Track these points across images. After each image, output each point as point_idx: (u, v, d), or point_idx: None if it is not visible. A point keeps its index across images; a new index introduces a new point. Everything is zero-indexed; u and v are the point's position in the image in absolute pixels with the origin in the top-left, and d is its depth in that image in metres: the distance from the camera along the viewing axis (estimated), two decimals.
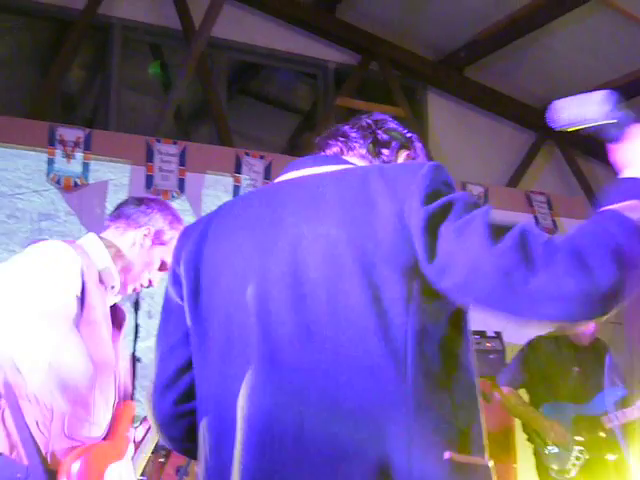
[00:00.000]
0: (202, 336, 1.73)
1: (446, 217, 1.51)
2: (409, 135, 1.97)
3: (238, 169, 6.58)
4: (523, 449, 5.62)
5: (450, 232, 1.49)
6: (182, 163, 6.36)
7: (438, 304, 1.54)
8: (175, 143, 6.39)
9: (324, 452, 1.50)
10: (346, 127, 1.95)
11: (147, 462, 4.45)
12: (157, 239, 2.76)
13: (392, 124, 1.96)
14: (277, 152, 7.10)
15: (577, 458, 4.97)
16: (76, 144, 6.03)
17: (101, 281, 2.63)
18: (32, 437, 2.35)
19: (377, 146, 1.89)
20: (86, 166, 6.04)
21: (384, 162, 1.87)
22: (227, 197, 6.54)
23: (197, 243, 1.81)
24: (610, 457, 4.99)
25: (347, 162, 1.83)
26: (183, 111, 7.21)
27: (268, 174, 6.65)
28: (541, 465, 5.15)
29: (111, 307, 2.73)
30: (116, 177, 6.17)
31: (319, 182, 1.71)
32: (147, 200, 2.87)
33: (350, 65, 7.61)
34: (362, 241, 1.56)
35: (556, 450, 5.04)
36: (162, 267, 2.80)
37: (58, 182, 5.95)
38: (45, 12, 6.64)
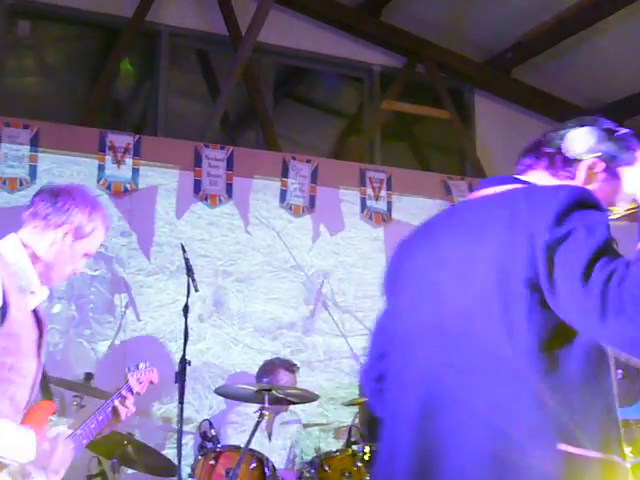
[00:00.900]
0: (394, 328, 2.17)
1: (562, 246, 1.73)
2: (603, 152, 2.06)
3: (285, 173, 6.61)
4: None
5: (560, 265, 1.72)
6: (230, 168, 6.40)
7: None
8: (223, 148, 6.44)
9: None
10: (538, 140, 2.13)
11: (197, 464, 4.49)
12: (77, 234, 2.75)
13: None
14: (323, 156, 7.10)
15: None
16: (126, 150, 6.10)
17: (20, 285, 2.62)
18: None
19: (557, 163, 2.04)
20: (136, 172, 6.11)
21: (565, 178, 2.04)
22: (274, 201, 6.56)
23: (399, 250, 2.26)
24: None
25: (519, 181, 2.04)
26: (230, 116, 7.25)
27: (315, 178, 6.67)
28: None
29: (33, 311, 2.71)
30: (165, 182, 6.24)
31: (484, 203, 2.00)
32: (62, 193, 2.78)
33: (396, 68, 7.58)
34: (504, 261, 1.82)
35: None
36: (86, 255, 2.81)
37: (108, 188, 6.03)
38: (94, 20, 6.73)
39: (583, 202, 1.77)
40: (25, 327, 2.61)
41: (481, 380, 1.81)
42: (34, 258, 2.68)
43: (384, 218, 6.88)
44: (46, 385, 2.96)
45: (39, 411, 2.74)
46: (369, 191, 6.86)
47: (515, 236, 1.80)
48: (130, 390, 3.18)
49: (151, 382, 3.37)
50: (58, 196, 2.76)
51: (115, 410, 3.07)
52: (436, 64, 7.53)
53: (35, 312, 2.73)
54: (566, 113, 7.93)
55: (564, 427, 1.72)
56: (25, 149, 5.84)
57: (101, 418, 2.99)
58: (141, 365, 3.36)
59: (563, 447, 1.70)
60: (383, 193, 6.90)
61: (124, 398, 3.10)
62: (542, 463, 1.70)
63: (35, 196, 2.79)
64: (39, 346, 2.71)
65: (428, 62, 7.51)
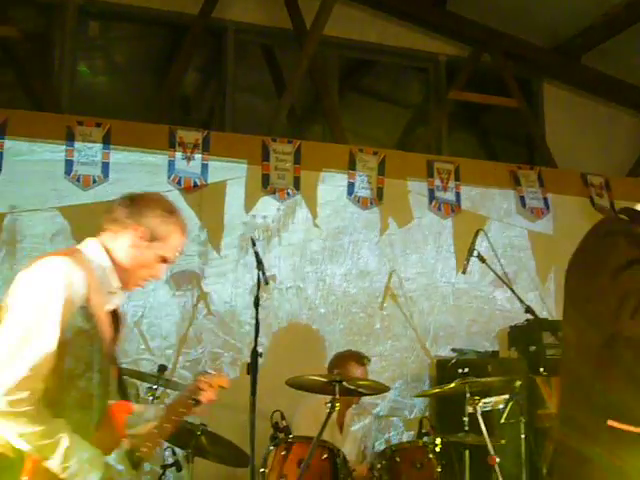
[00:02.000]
0: None
1: None
2: None
3: (352, 166, 6.61)
4: None
5: None
6: (297, 161, 6.44)
7: None
8: (290, 142, 6.48)
9: None
10: None
11: (269, 454, 4.54)
12: (152, 237, 2.79)
13: None
14: (390, 148, 7.08)
15: None
16: (195, 146, 6.19)
17: (101, 286, 2.71)
18: None
19: None
20: (205, 167, 6.20)
21: None
22: (342, 194, 6.58)
23: None
24: None
25: None
26: (296, 110, 7.28)
27: (382, 170, 6.66)
28: None
29: (112, 312, 2.80)
30: (233, 177, 6.30)
31: None
32: (138, 199, 2.85)
33: (461, 57, 7.51)
34: None
35: None
36: (163, 260, 2.84)
37: (179, 183, 6.12)
38: (160, 19, 6.84)
39: None
40: (103, 326, 2.70)
41: None
42: (114, 261, 2.77)
43: (453, 209, 6.83)
44: (122, 383, 3.05)
45: (116, 410, 2.83)
46: (437, 182, 6.82)
47: None
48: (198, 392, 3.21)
49: (221, 387, 3.40)
50: (134, 201, 2.84)
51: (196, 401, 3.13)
52: (503, 52, 7.44)
53: (113, 312, 2.83)
54: (637, 99, 7.76)
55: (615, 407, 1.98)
56: (98, 147, 5.97)
57: (173, 417, 3.03)
58: (211, 372, 3.38)
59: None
60: (451, 184, 6.86)
61: (192, 400, 3.14)
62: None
63: (115, 202, 2.87)
64: (114, 345, 2.81)
65: (494, 50, 7.42)
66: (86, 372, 2.64)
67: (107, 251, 2.78)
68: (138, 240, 2.78)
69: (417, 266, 6.68)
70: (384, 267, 6.58)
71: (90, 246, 2.78)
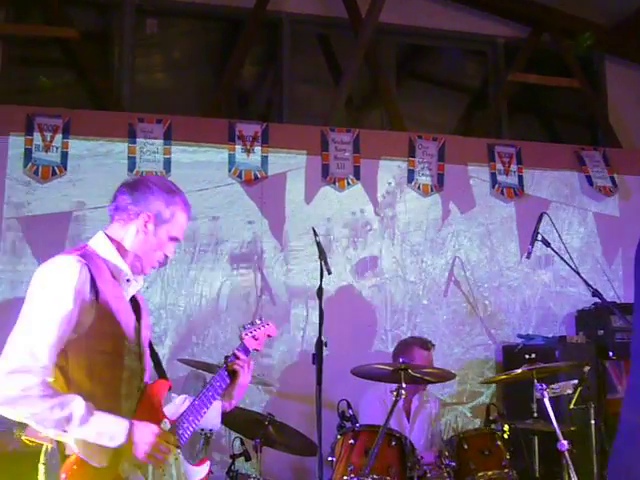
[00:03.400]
0: None
1: None
2: None
3: (412, 153, 6.58)
4: None
5: None
6: (356, 150, 6.43)
7: None
8: (348, 131, 6.47)
9: None
10: None
11: (336, 443, 4.56)
12: (158, 221, 2.86)
13: None
14: (449, 133, 7.02)
15: None
16: (254, 138, 6.23)
17: (114, 277, 2.78)
18: None
19: None
20: (265, 159, 6.23)
21: None
22: (402, 182, 6.55)
23: None
24: None
25: None
26: (353, 99, 7.27)
27: (442, 156, 6.61)
28: None
29: (131, 299, 2.86)
30: (293, 168, 6.33)
31: None
32: (139, 184, 2.92)
33: (520, 38, 7.39)
34: None
35: None
36: (173, 239, 2.91)
37: (240, 176, 6.18)
38: (216, 14, 6.90)
39: None
40: (121, 314, 2.75)
41: None
42: (123, 251, 2.84)
43: (516, 193, 6.75)
44: (159, 366, 3.11)
45: (153, 390, 2.89)
46: (499, 166, 6.74)
47: None
48: (245, 350, 3.23)
49: (268, 336, 3.42)
50: (135, 188, 2.90)
51: (233, 372, 3.15)
52: (562, 32, 7.30)
53: (134, 300, 2.89)
54: None
55: None
56: (159, 143, 6.05)
57: (218, 384, 3.09)
58: (257, 321, 3.41)
59: None
60: (513, 167, 6.77)
61: (238, 358, 3.17)
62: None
63: (116, 191, 2.93)
64: (138, 331, 2.85)
65: (554, 30, 7.28)
66: (112, 362, 2.70)
67: (116, 241, 2.84)
68: (146, 226, 2.85)
69: (480, 252, 6.62)
70: (448, 253, 6.54)
71: (97, 240, 2.85)
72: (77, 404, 2.54)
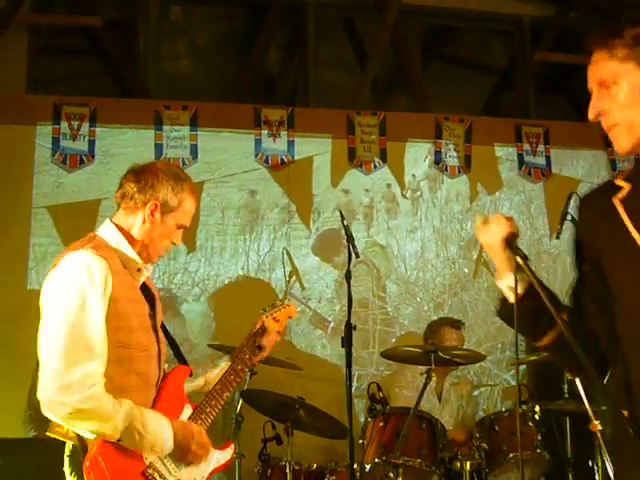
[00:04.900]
0: None
1: None
2: None
3: (438, 134, 6.54)
4: None
5: None
6: (382, 133, 6.41)
7: None
8: (374, 114, 6.45)
9: None
10: None
11: (367, 426, 4.56)
12: (165, 209, 2.80)
13: None
14: (476, 114, 6.97)
15: None
16: (280, 123, 6.23)
17: (125, 266, 2.73)
18: None
19: None
20: (291, 143, 6.24)
21: None
22: (429, 164, 6.52)
23: None
24: None
25: None
26: (379, 81, 7.23)
27: (469, 137, 6.56)
28: None
29: (142, 288, 2.82)
30: (319, 152, 6.32)
31: None
32: (145, 172, 2.85)
33: (547, 17, 7.29)
34: None
35: None
36: (180, 227, 2.87)
37: (266, 161, 6.18)
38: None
39: None
40: (133, 304, 2.73)
41: None
42: (131, 239, 2.80)
43: (543, 173, 6.69)
44: (177, 349, 3.11)
45: (174, 377, 2.90)
46: (526, 146, 6.68)
47: None
48: (263, 333, 3.24)
49: (290, 317, 3.41)
50: (141, 175, 2.84)
51: (252, 352, 3.17)
52: (590, 8, 7.19)
53: (145, 288, 2.86)
54: None
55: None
56: (185, 130, 6.07)
57: (240, 367, 3.09)
58: (277, 302, 3.40)
59: None
60: (541, 148, 6.71)
61: (255, 345, 3.18)
62: None
63: (122, 178, 2.90)
64: (153, 319, 2.84)
65: (581, 7, 7.18)
66: (132, 355, 2.69)
67: (123, 230, 2.80)
68: (153, 214, 2.80)
69: None
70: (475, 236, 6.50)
71: (106, 228, 2.81)
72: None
